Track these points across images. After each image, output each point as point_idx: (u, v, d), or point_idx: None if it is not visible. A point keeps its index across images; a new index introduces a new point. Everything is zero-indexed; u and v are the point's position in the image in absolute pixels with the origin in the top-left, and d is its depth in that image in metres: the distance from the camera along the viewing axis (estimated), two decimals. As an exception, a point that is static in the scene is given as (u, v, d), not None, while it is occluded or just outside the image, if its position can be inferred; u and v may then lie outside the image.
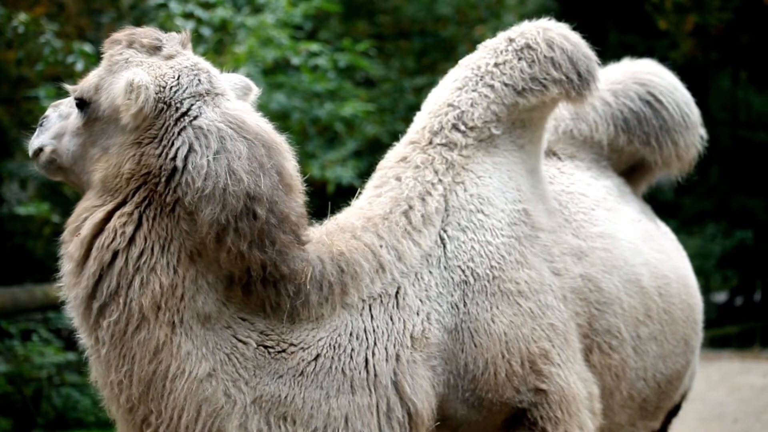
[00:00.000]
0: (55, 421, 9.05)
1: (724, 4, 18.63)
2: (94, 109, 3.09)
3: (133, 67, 3.07)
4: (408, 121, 3.86)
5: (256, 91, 3.32)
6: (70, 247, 3.04)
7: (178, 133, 3.00)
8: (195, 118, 3.02)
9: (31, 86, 9.78)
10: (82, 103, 3.12)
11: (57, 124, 3.22)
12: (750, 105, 23.00)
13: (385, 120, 13.64)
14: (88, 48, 8.44)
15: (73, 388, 9.38)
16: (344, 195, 3.66)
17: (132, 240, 2.97)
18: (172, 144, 2.99)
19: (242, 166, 2.98)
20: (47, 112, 3.27)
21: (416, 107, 3.87)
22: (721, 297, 24.41)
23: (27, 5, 9.94)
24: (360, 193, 3.63)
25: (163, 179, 2.99)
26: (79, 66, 8.07)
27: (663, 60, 4.79)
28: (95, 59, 8.20)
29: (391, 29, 16.96)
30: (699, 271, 4.71)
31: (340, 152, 11.87)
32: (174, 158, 2.98)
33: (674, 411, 4.57)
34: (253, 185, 2.98)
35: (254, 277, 3.02)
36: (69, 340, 10.29)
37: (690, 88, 4.72)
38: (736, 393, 11.56)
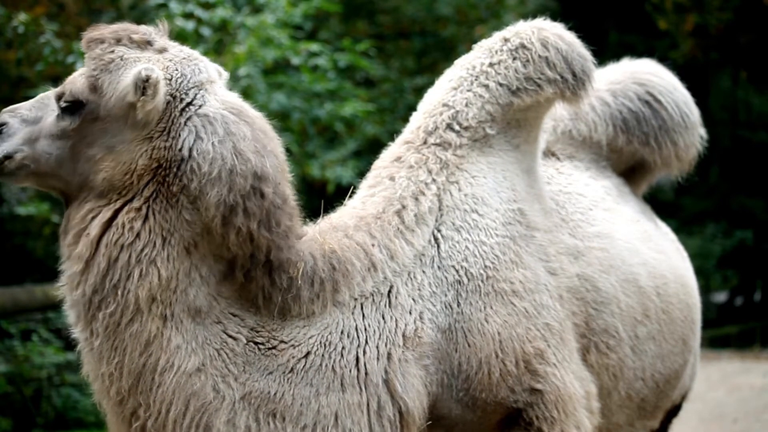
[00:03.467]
0: (55, 421, 9.05)
1: (724, 4, 18.62)
2: (92, 110, 3.07)
3: (138, 64, 3.07)
4: (408, 121, 3.86)
5: (225, 75, 3.35)
6: (78, 248, 3.03)
7: (185, 123, 3.05)
8: (200, 107, 3.08)
9: (31, 86, 9.77)
10: (76, 106, 3.09)
11: (23, 130, 3.12)
12: (750, 105, 22.98)
13: (385, 120, 13.66)
14: (88, 48, 8.41)
15: (73, 388, 9.37)
16: (344, 195, 3.67)
17: (138, 234, 3.00)
18: (179, 135, 3.04)
19: (248, 146, 3.05)
20: (4, 119, 3.15)
21: (416, 107, 3.87)
22: (721, 297, 24.38)
23: (27, 5, 9.92)
24: (354, 192, 3.64)
25: (171, 170, 3.03)
26: (79, 66, 8.05)
27: (663, 60, 4.79)
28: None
29: (391, 29, 16.96)
30: (699, 271, 4.71)
31: (340, 152, 11.87)
32: (181, 148, 3.02)
33: (675, 411, 4.56)
34: (260, 164, 3.05)
35: (257, 261, 3.04)
36: (69, 340, 10.28)
37: (690, 88, 4.71)
38: (736, 393, 11.57)
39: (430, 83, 3.93)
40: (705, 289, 20.87)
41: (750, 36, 20.21)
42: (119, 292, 2.97)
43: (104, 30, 3.16)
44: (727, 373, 13.29)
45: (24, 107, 3.17)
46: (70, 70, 8.14)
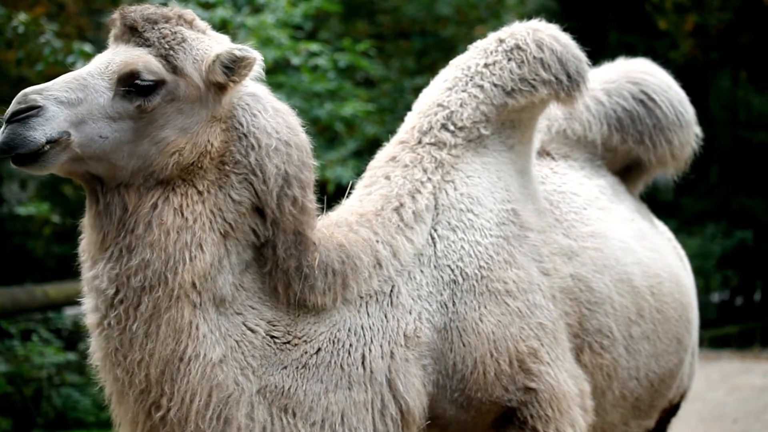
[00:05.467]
0: (55, 421, 9.06)
1: (724, 4, 18.64)
2: (170, 91, 2.96)
3: (201, 43, 3.05)
4: (406, 121, 3.86)
5: None
6: (154, 236, 2.93)
7: (237, 102, 3.09)
8: (246, 86, 3.13)
9: (31, 86, 9.77)
10: (156, 86, 2.95)
11: (63, 112, 2.87)
12: (750, 105, 23.00)
13: (385, 120, 13.64)
14: (88, 48, 8.44)
15: (73, 388, 9.39)
16: (344, 195, 3.67)
17: (196, 218, 2.98)
18: (233, 114, 3.07)
19: (296, 120, 3.17)
20: (35, 100, 2.88)
21: (415, 107, 3.87)
22: (721, 297, 24.39)
23: (27, 5, 9.94)
24: (350, 192, 3.64)
25: (228, 149, 3.05)
26: (79, 66, 8.05)
27: (663, 60, 4.78)
28: (95, 59, 8.19)
29: (391, 29, 16.97)
30: (699, 271, 4.72)
31: (340, 152, 11.88)
32: (238, 126, 3.06)
33: (673, 411, 4.57)
34: (306, 138, 3.17)
35: (298, 239, 3.08)
36: (69, 340, 10.31)
37: (690, 88, 4.71)
38: (736, 393, 11.57)
39: (430, 83, 3.93)
40: (705, 289, 20.90)
41: (750, 36, 20.22)
42: (170, 276, 2.92)
43: (151, 10, 3.06)
44: (727, 373, 13.29)
45: (54, 88, 2.92)
46: (69, 70, 8.15)
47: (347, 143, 12.28)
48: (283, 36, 10.15)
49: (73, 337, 10.52)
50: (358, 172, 3.75)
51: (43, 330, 9.44)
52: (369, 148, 12.40)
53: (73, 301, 9.04)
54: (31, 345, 9.07)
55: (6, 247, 12.55)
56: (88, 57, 8.22)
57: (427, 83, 3.91)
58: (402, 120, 3.84)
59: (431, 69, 14.86)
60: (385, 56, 15.86)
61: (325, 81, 10.82)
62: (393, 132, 3.83)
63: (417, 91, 3.95)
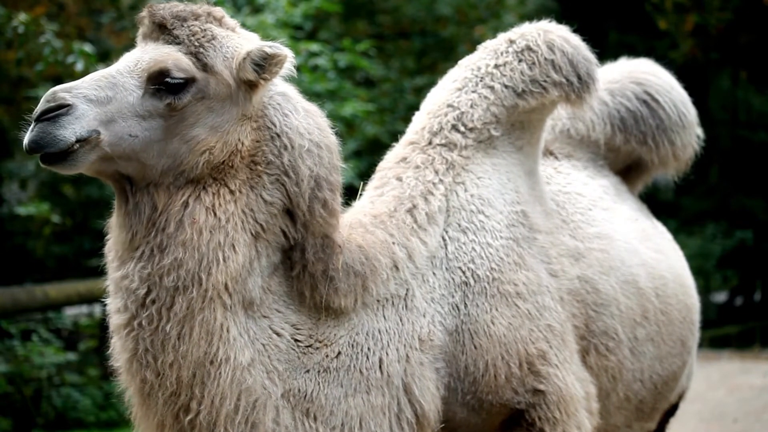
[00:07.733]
0: (55, 421, 9.07)
1: (724, 4, 18.61)
2: (201, 89, 2.94)
3: (231, 40, 3.01)
4: (408, 121, 3.85)
5: None
6: (186, 235, 2.90)
7: (268, 102, 3.07)
8: (276, 85, 3.11)
9: (31, 86, 9.79)
10: (186, 83, 2.92)
11: (92, 111, 2.83)
12: (750, 105, 22.97)
13: (385, 120, 13.64)
14: (88, 48, 8.43)
15: (73, 388, 9.40)
16: (344, 195, 3.67)
17: (229, 218, 2.95)
18: (265, 113, 3.05)
19: (325, 122, 3.15)
20: (65, 98, 2.81)
21: (416, 107, 3.87)
22: (721, 297, 24.37)
23: (27, 5, 9.94)
24: (361, 194, 3.63)
25: (260, 149, 3.03)
26: (79, 66, 8.05)
27: (663, 60, 4.78)
28: (95, 59, 8.21)
29: (391, 29, 16.97)
30: (699, 271, 4.72)
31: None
32: (271, 126, 3.04)
33: (672, 411, 4.57)
34: (335, 139, 3.15)
35: (326, 242, 3.07)
36: (69, 340, 10.32)
37: (690, 88, 4.71)
38: (736, 393, 11.56)
39: (430, 83, 3.93)
40: (705, 289, 20.89)
41: (750, 36, 20.20)
42: (203, 277, 2.89)
43: (180, 8, 3.03)
44: (727, 373, 13.27)
45: (83, 86, 2.86)
46: (70, 70, 8.15)
47: (347, 143, 12.28)
48: (283, 36, 10.13)
49: (73, 337, 10.54)
50: (359, 172, 3.74)
51: (43, 330, 9.44)
52: (369, 148, 12.42)
53: (73, 301, 9.04)
54: (31, 345, 9.07)
55: (6, 247, 12.55)
56: (88, 57, 8.22)
57: (427, 83, 3.90)
58: (402, 120, 3.83)
59: (431, 69, 14.90)
60: (385, 56, 15.87)
61: (325, 81, 10.82)
62: (393, 132, 3.82)
63: (417, 91, 3.95)
